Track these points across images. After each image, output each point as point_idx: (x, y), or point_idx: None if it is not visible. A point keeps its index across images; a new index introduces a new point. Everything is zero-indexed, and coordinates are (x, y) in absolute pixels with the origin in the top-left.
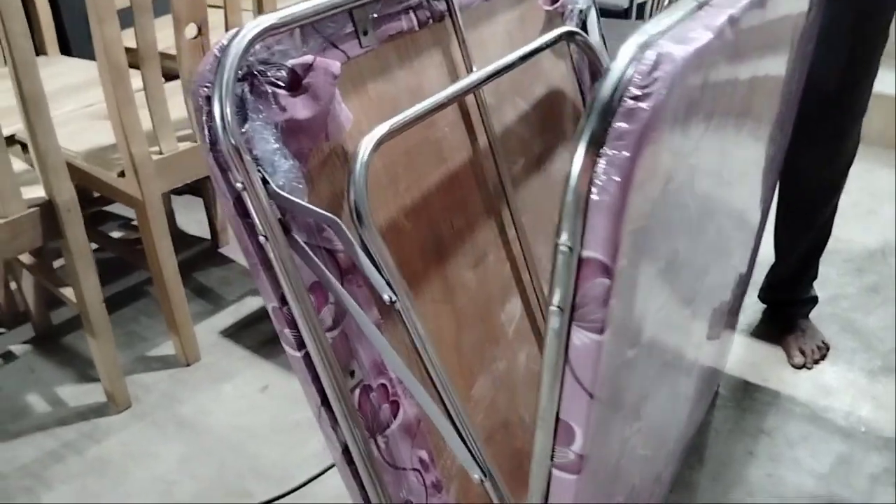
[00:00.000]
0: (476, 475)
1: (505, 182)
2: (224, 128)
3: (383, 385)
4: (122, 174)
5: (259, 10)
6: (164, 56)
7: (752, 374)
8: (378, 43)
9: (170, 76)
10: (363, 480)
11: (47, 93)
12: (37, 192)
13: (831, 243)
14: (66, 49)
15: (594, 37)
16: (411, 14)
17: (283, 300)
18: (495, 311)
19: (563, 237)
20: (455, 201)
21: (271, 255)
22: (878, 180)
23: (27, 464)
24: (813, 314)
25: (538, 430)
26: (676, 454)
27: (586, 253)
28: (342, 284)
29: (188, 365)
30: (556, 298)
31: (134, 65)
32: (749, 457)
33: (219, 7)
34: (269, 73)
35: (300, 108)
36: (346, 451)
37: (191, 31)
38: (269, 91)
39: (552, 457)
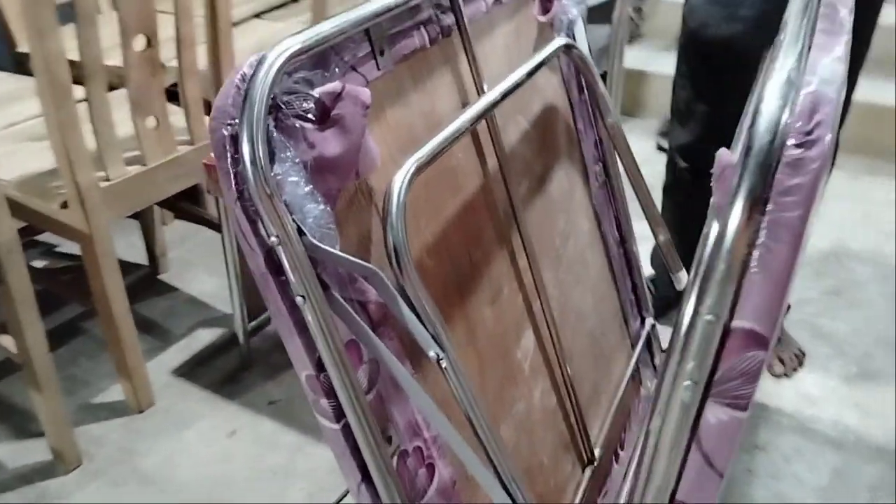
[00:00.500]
0: None
1: (516, 206)
2: (258, 173)
3: (418, 448)
4: (64, 205)
5: (213, 19)
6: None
7: None
8: (393, 64)
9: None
10: None
11: None
12: None
13: None
14: None
15: (583, 48)
16: (423, 30)
17: (319, 366)
18: (512, 348)
19: (707, 305)
20: (471, 232)
21: (308, 317)
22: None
23: None
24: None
25: None
26: None
27: (739, 324)
28: None
29: (141, 411)
30: (688, 371)
31: (76, 80)
32: (749, 475)
33: (168, 13)
34: (294, 105)
35: (330, 144)
36: None
37: (139, 43)
38: (297, 126)
39: None
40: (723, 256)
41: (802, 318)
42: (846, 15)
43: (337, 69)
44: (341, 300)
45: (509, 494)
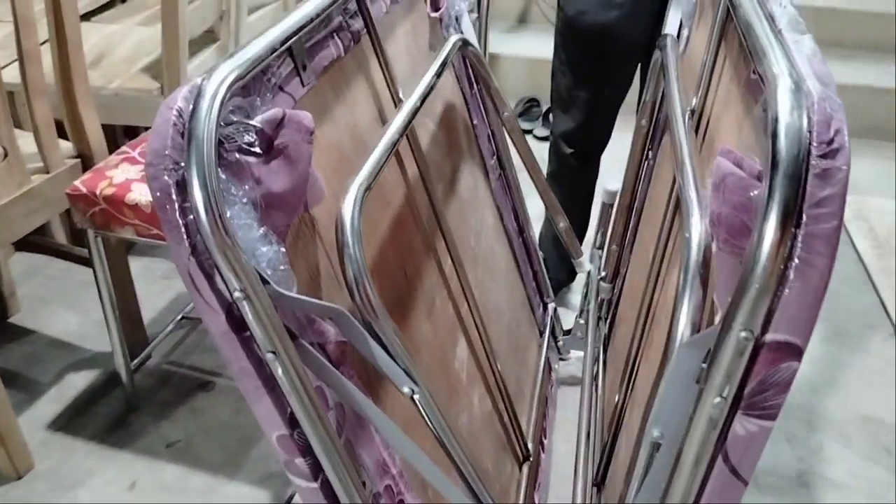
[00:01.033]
0: None
1: (438, 213)
2: (215, 223)
3: (388, 486)
4: None
5: (58, 27)
6: None
7: None
8: (315, 78)
9: None
10: None
11: None
12: None
13: None
14: None
15: (473, 41)
16: (336, 39)
17: (292, 423)
18: (450, 360)
19: (741, 321)
20: (403, 246)
21: (279, 373)
22: None
23: None
24: None
25: None
26: None
27: (775, 336)
28: None
29: (20, 478)
30: (718, 388)
31: None
32: None
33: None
34: (236, 139)
35: (277, 177)
36: None
37: None
38: (242, 161)
39: None
40: (758, 273)
41: None
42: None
43: (268, 93)
44: (309, 348)
45: None
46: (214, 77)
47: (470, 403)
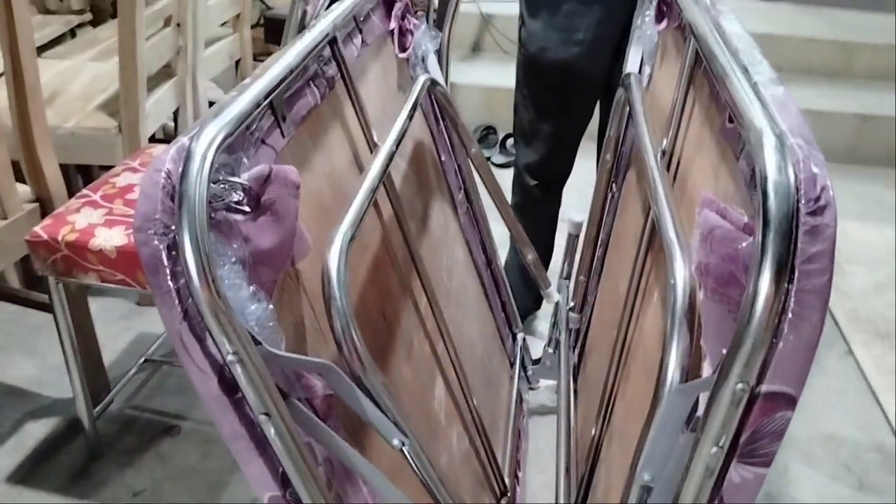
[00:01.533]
0: None
1: (414, 252)
2: (209, 288)
3: None
4: None
5: (14, 66)
6: None
7: None
8: (295, 127)
9: None
10: None
11: None
12: None
13: None
14: None
15: (440, 80)
16: (313, 86)
17: (284, 483)
18: (430, 402)
19: (737, 374)
20: (382, 289)
21: (271, 433)
22: None
23: None
24: None
25: None
26: None
27: (770, 387)
28: None
29: None
30: (714, 438)
31: None
32: None
33: None
34: (224, 197)
35: (265, 234)
36: None
37: None
38: (230, 219)
39: None
40: (753, 327)
41: None
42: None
43: (251, 147)
44: (300, 405)
45: None
46: (203, 137)
47: (449, 443)
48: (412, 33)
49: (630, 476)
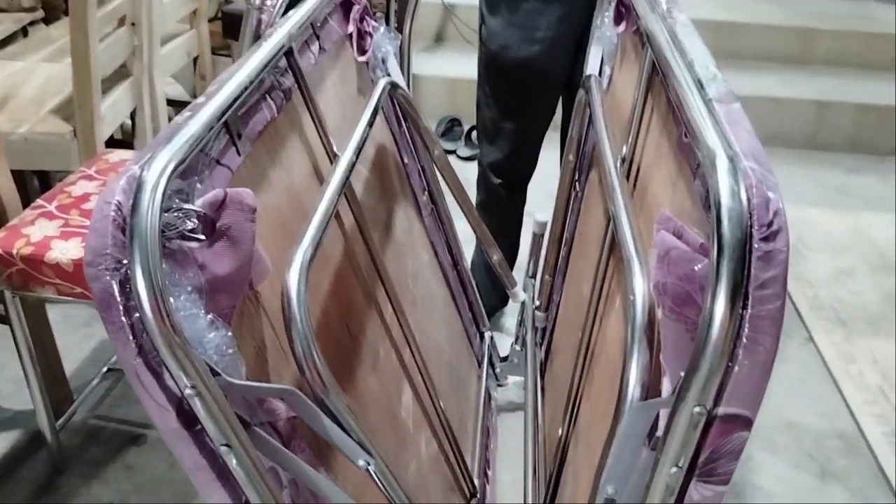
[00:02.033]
0: None
1: (377, 261)
2: (163, 322)
3: None
4: None
5: None
6: None
7: None
8: (251, 144)
9: None
10: None
11: None
12: None
13: None
14: None
15: (401, 83)
16: (269, 100)
17: None
18: (397, 411)
19: (694, 397)
20: (345, 302)
21: (233, 464)
22: None
23: None
24: None
25: None
26: None
27: (727, 410)
28: None
29: None
30: (674, 458)
31: None
32: None
33: None
34: (177, 226)
35: (221, 260)
36: None
37: None
38: (185, 248)
39: None
40: (709, 352)
41: None
42: (714, 69)
43: (205, 169)
44: (261, 433)
45: None
46: (154, 166)
47: (418, 450)
48: (371, 36)
49: (594, 487)
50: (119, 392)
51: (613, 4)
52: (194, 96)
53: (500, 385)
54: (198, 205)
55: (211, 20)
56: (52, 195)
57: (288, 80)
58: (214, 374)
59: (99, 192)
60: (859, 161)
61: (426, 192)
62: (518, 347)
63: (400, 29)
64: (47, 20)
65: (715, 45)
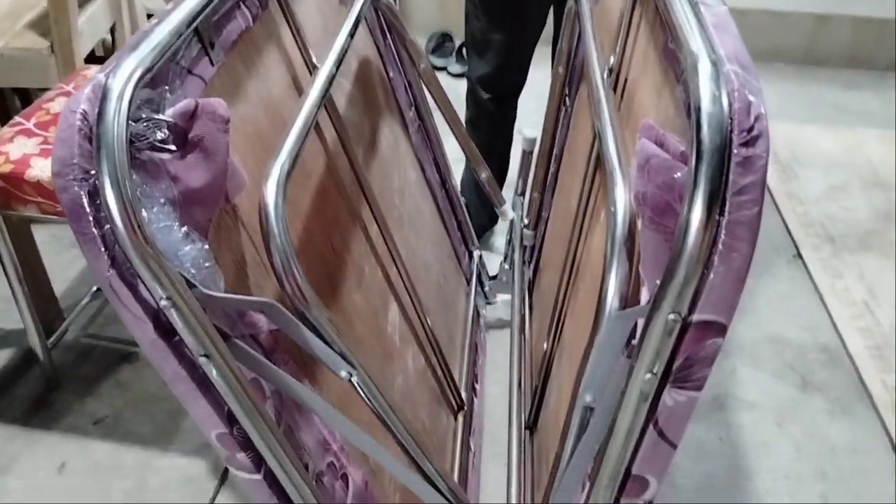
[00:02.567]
0: None
1: (361, 177)
2: (134, 232)
3: (331, 463)
4: None
5: None
6: None
7: None
8: (225, 54)
9: None
10: None
11: None
12: None
13: None
14: None
15: None
16: (243, 8)
17: (230, 421)
18: (383, 326)
19: (669, 305)
20: (328, 218)
21: (213, 374)
22: None
23: None
24: None
25: (595, 491)
26: None
27: (701, 317)
28: None
29: None
30: (648, 365)
31: None
32: None
33: None
34: (147, 136)
35: (195, 172)
36: None
37: None
38: (156, 159)
39: None
40: (685, 259)
41: None
42: None
43: (176, 79)
44: (241, 344)
45: (438, 491)
46: (119, 74)
47: (405, 365)
48: None
49: (573, 397)
50: (110, 311)
51: None
52: None
53: (488, 303)
54: (168, 115)
55: None
56: (30, 112)
57: None
58: (191, 286)
59: None
60: (858, 76)
61: (413, 108)
62: (507, 266)
63: None
64: None
65: None
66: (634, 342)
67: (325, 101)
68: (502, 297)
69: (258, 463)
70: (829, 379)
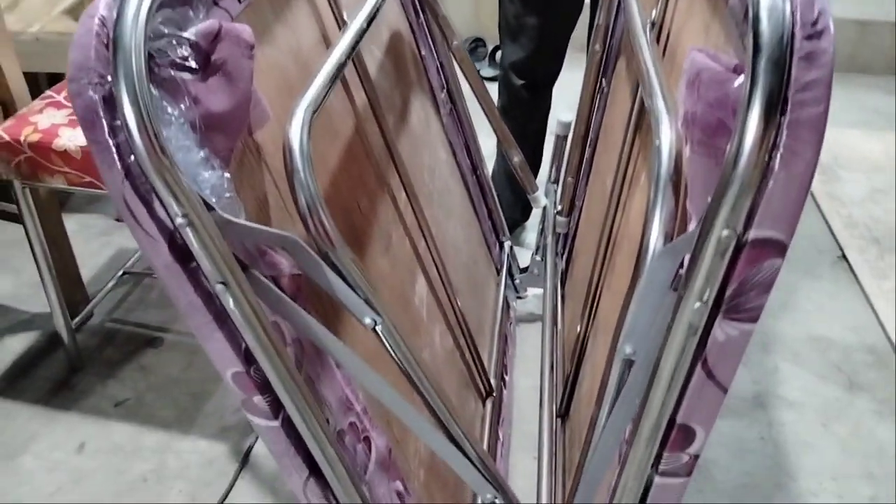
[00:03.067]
0: (489, 496)
1: (391, 144)
2: (150, 141)
3: (353, 424)
4: None
5: None
6: None
7: None
8: None
9: None
10: None
11: None
12: None
13: None
14: None
15: None
16: None
17: (248, 360)
18: (410, 297)
19: (723, 220)
20: (356, 179)
21: (230, 305)
22: None
23: None
24: None
25: (634, 446)
26: None
27: (758, 233)
28: None
29: None
30: (698, 292)
31: None
32: None
33: None
34: (168, 52)
35: (217, 96)
36: None
37: None
38: (176, 78)
39: (657, 465)
40: (741, 166)
41: None
42: None
43: (201, 6)
44: (262, 278)
45: (466, 456)
46: None
47: (431, 340)
48: None
49: (611, 353)
50: (136, 297)
51: None
52: None
53: (519, 297)
54: (190, 34)
55: None
56: (61, 87)
57: None
58: (209, 208)
59: None
60: None
61: (444, 90)
62: (538, 258)
63: None
64: None
65: None
66: (682, 272)
67: (355, 57)
68: (533, 292)
69: (276, 408)
70: (876, 379)
